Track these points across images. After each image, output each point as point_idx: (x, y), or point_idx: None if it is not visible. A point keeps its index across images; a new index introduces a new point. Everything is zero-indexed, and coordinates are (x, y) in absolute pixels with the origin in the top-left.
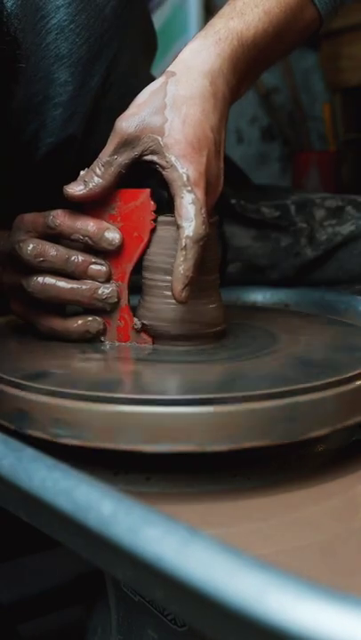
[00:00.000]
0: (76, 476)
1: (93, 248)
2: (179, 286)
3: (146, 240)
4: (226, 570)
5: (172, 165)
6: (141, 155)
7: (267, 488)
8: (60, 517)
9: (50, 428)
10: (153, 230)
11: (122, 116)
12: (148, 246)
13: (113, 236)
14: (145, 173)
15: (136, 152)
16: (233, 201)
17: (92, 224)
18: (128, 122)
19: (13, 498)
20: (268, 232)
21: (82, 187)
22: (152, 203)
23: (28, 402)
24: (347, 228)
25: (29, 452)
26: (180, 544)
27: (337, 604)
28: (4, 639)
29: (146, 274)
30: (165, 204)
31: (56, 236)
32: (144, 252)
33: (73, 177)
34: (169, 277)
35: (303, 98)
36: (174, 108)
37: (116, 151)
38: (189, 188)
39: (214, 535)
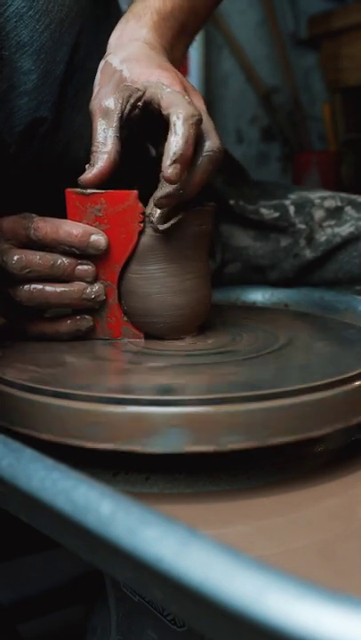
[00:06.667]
0: (75, 477)
1: (80, 256)
2: (167, 161)
3: (134, 242)
4: (225, 570)
5: (144, 86)
6: (122, 110)
7: (267, 488)
8: (59, 518)
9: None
10: (141, 232)
11: (91, 99)
12: (136, 247)
13: (98, 240)
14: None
15: (117, 111)
16: (232, 202)
17: (75, 232)
18: (97, 98)
19: (13, 498)
20: (267, 232)
21: (91, 169)
22: (140, 205)
23: (33, 403)
24: (346, 230)
25: (28, 452)
26: (180, 544)
27: (336, 605)
28: (4, 639)
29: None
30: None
31: (40, 247)
32: (133, 253)
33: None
34: (152, 267)
35: (303, 98)
36: (124, 62)
37: (102, 124)
38: (167, 87)
39: (214, 535)
